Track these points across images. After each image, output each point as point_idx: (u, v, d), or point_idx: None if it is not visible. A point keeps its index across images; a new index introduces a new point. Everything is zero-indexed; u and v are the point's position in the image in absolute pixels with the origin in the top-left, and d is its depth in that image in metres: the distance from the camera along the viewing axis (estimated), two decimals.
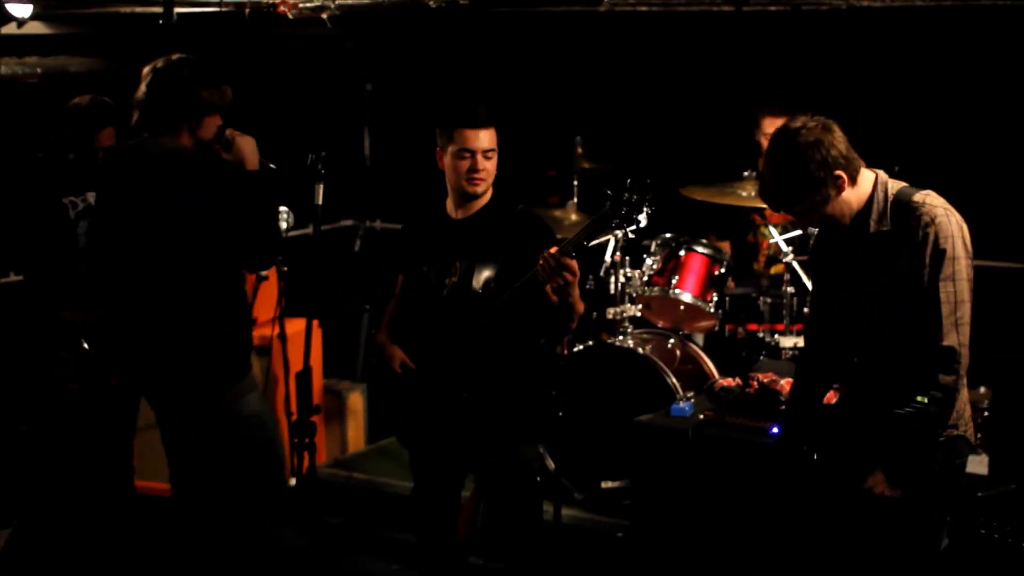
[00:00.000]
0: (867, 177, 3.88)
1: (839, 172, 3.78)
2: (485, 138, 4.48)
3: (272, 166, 4.63)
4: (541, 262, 4.24)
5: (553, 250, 4.27)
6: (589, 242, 4.42)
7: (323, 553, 5.31)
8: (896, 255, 3.81)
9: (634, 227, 4.27)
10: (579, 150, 6.57)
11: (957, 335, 3.75)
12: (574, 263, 4.25)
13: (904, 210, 3.82)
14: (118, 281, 4.51)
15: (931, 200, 3.83)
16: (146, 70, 4.48)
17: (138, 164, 4.45)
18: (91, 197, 5.11)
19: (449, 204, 4.62)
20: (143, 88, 4.46)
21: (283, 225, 4.95)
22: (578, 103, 7.35)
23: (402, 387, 4.60)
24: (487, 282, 4.45)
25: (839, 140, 3.81)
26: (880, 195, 3.86)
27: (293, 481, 4.68)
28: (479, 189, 4.52)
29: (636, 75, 7.27)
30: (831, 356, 4.08)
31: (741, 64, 6.93)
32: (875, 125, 6.36)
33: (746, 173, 6.10)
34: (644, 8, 6.73)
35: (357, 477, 6.51)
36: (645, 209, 4.22)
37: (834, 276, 4.04)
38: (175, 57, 4.48)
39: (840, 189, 3.81)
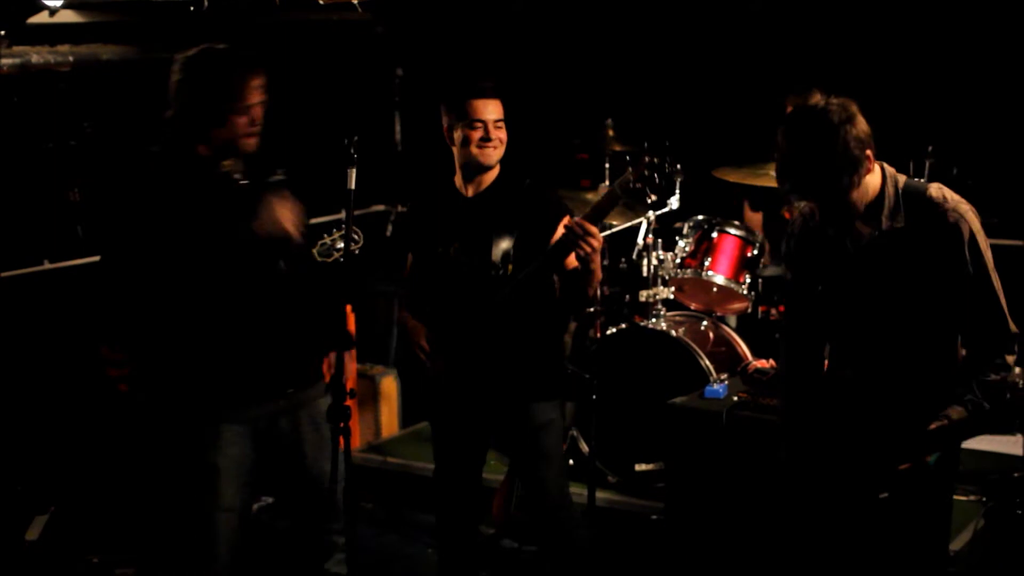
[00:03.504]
0: (875, 169, 3.79)
1: (869, 152, 3.69)
2: (494, 108, 4.49)
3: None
4: (565, 229, 4.22)
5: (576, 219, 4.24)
6: (606, 213, 4.38)
7: (358, 537, 5.32)
8: (915, 253, 3.76)
9: (653, 201, 4.20)
10: (610, 133, 6.55)
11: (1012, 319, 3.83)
12: (597, 230, 4.22)
13: (920, 206, 3.77)
14: (137, 281, 4.25)
15: (949, 195, 3.79)
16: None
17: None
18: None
19: (458, 181, 4.61)
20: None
21: (353, 246, 4.60)
22: (608, 85, 7.33)
23: (426, 367, 4.60)
24: (505, 257, 4.45)
25: (862, 122, 3.70)
26: (891, 188, 3.79)
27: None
28: (492, 159, 4.51)
29: (666, 57, 7.25)
30: (817, 349, 4.05)
31: (772, 44, 6.90)
32: (902, 108, 6.32)
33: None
34: None
35: (391, 461, 6.52)
36: (660, 181, 4.20)
37: (821, 269, 3.95)
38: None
39: (866, 173, 3.72)
